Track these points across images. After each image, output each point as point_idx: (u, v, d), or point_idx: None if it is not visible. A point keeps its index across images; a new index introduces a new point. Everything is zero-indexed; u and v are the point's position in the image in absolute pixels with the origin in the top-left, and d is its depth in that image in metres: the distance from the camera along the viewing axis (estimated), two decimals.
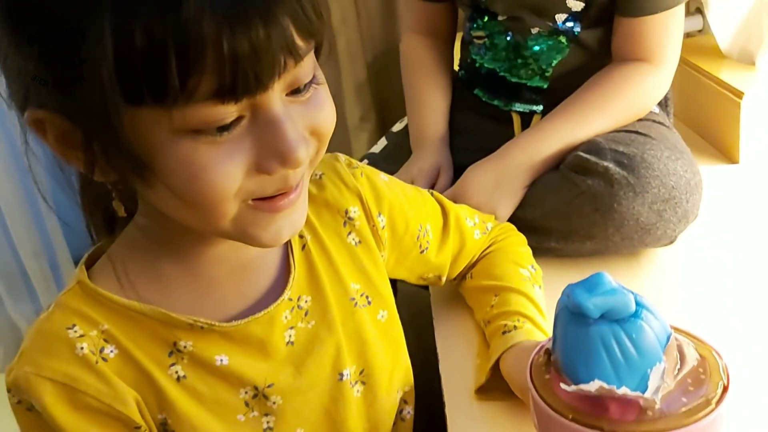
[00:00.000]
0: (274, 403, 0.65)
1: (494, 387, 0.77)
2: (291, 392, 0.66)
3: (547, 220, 0.98)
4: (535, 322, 0.80)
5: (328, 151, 0.62)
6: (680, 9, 1.02)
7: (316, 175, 0.74)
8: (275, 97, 0.53)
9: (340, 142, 1.84)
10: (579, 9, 1.05)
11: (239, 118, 0.52)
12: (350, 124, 1.84)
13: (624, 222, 0.93)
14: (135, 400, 0.60)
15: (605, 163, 0.93)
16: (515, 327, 0.78)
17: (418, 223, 0.82)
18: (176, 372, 0.62)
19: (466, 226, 0.88)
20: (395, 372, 0.76)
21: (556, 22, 1.06)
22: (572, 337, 0.52)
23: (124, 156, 0.52)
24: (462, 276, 0.91)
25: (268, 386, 0.65)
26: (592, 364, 0.51)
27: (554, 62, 1.09)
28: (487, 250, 0.91)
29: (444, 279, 0.89)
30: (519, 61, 1.11)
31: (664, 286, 0.94)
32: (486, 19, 1.12)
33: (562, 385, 0.51)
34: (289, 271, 0.69)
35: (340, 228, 0.73)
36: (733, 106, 1.20)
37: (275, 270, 0.69)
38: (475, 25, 1.14)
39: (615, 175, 0.92)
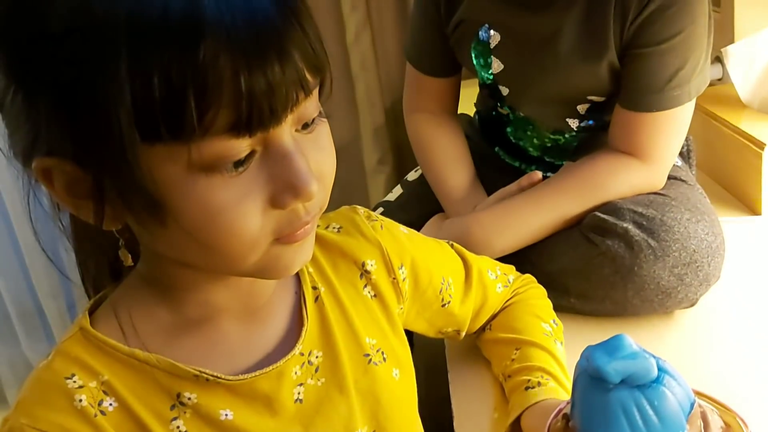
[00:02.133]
0: None
1: None
2: None
3: (565, 276, 0.96)
4: (559, 380, 0.78)
5: (345, 195, 0.62)
6: (681, 110, 0.97)
7: (334, 228, 0.73)
8: (286, 131, 0.53)
9: (357, 186, 1.85)
10: (600, 101, 1.03)
11: (252, 153, 0.52)
12: (368, 168, 1.84)
13: (644, 285, 0.91)
14: None
15: (624, 225, 0.91)
16: (539, 383, 0.76)
17: (441, 276, 0.80)
18: (177, 427, 0.60)
19: (489, 279, 0.86)
20: (405, 428, 0.74)
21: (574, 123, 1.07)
22: (591, 403, 0.51)
23: (141, 196, 0.51)
24: (481, 329, 0.90)
25: None
26: (612, 431, 0.49)
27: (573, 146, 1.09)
28: (508, 302, 0.89)
29: (463, 333, 0.87)
30: (536, 141, 1.11)
31: (685, 349, 0.91)
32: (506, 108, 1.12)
33: None
34: (300, 323, 0.67)
35: (357, 280, 0.72)
36: (754, 156, 1.18)
37: (285, 322, 0.67)
38: (498, 104, 1.13)
39: (635, 237, 0.90)
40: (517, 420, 0.75)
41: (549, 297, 0.93)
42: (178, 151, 0.49)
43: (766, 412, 0.77)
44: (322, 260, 0.71)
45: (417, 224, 1.07)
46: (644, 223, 0.91)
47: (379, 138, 1.81)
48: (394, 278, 0.74)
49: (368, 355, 0.70)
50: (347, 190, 1.81)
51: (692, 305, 0.95)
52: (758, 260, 1.07)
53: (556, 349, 0.83)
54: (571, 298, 0.97)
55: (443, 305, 0.81)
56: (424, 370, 0.99)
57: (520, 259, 0.97)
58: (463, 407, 0.85)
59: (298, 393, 0.65)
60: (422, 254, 0.78)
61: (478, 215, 1.01)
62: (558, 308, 0.92)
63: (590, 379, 0.50)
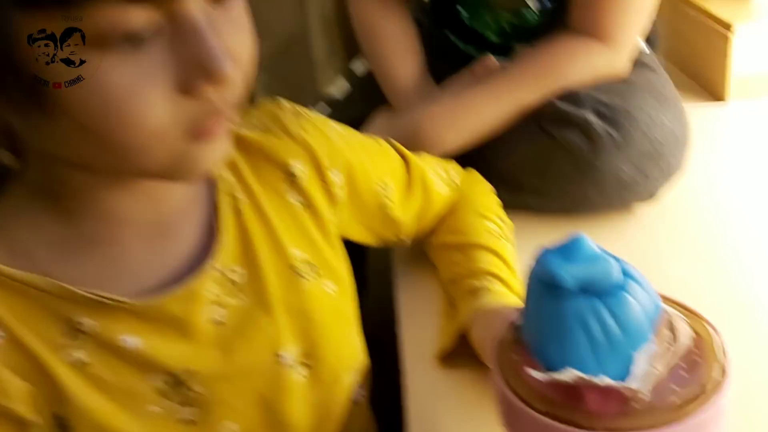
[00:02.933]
0: (196, 392, 0.56)
1: (460, 353, 0.70)
2: (218, 380, 0.57)
3: (519, 172, 0.89)
4: (507, 282, 0.72)
5: (292, 91, 0.54)
6: None
7: (255, 126, 0.64)
8: (196, 2, 0.45)
9: (305, 80, 1.73)
10: None
11: (155, 30, 0.44)
12: (317, 61, 1.73)
13: (604, 179, 0.84)
14: (27, 393, 0.51)
15: (585, 114, 0.84)
16: (485, 287, 0.70)
17: (379, 178, 0.73)
18: (76, 357, 0.52)
19: (431, 180, 0.79)
20: (346, 351, 0.67)
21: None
22: (544, 313, 0.44)
23: (20, 80, 0.43)
24: (428, 234, 0.83)
25: (189, 373, 0.56)
26: (568, 345, 0.42)
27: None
28: (453, 201, 0.82)
29: (409, 240, 0.80)
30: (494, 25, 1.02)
31: (648, 248, 0.85)
32: None
33: (531, 372, 0.42)
34: (215, 237, 0.59)
35: (281, 186, 0.64)
36: (720, 39, 1.11)
37: (198, 236, 0.59)
38: None
39: (596, 127, 0.83)
40: (464, 327, 0.69)
41: (502, 195, 0.86)
42: (63, 23, 0.41)
43: (733, 314, 0.72)
44: (241, 164, 0.62)
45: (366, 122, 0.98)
46: (606, 112, 0.84)
47: (329, 28, 1.69)
48: (325, 183, 0.66)
49: (295, 267, 0.63)
50: (294, 86, 1.71)
51: (651, 197, 0.89)
52: (722, 149, 1.01)
53: (504, 249, 0.76)
54: (525, 196, 0.90)
55: (382, 211, 0.73)
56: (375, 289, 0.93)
57: (472, 155, 0.89)
58: (410, 320, 0.79)
59: (218, 314, 0.57)
60: (358, 155, 0.70)
61: (427, 108, 0.92)
62: (511, 207, 0.85)
63: (543, 286, 0.43)
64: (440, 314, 0.77)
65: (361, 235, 0.75)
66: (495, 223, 0.80)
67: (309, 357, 0.63)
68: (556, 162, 0.86)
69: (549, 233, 0.44)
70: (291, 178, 0.64)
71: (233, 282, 0.59)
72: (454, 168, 0.84)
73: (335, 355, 0.65)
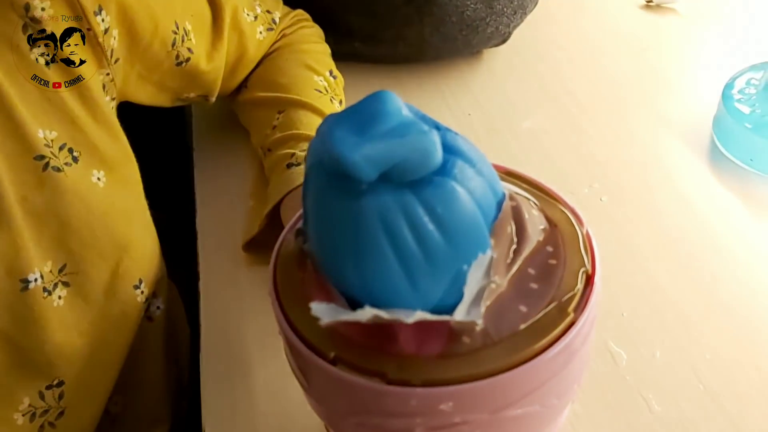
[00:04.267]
0: None
1: (271, 239, 0.55)
2: None
3: (347, 12, 0.72)
4: None
5: None
6: None
7: None
8: None
9: None
10: None
11: None
12: None
13: (445, 18, 0.69)
14: None
15: None
16: (305, 159, 0.55)
17: (173, 21, 0.54)
18: None
19: (246, 21, 0.61)
20: (129, 256, 0.51)
21: None
22: (333, 215, 0.29)
23: None
24: (237, 88, 0.66)
25: None
26: (367, 261, 0.28)
27: None
28: (272, 48, 0.65)
29: (213, 98, 0.63)
30: None
31: (497, 103, 0.71)
32: None
33: (313, 306, 0.28)
34: None
35: (17, 35, 0.44)
36: None
37: None
38: None
39: None
40: (277, 208, 0.55)
41: (327, 41, 0.69)
42: None
43: (592, 176, 0.61)
44: None
45: None
46: None
47: None
48: (89, 29, 0.47)
49: (43, 157, 0.45)
50: None
51: (504, 42, 0.75)
52: None
53: (333, 110, 0.61)
54: (355, 42, 0.74)
55: (178, 63, 0.56)
56: None
57: None
58: (207, 198, 0.63)
59: None
60: None
61: None
62: (340, 56, 0.69)
63: (329, 176, 0.28)
64: (249, 193, 0.62)
65: (150, 96, 0.57)
66: (324, 77, 0.64)
67: (68, 272, 0.47)
68: None
69: (385, 88, 0.28)
70: (32, 24, 0.44)
71: None
72: (273, 2, 0.67)
73: (110, 262, 0.50)
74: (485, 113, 0.69)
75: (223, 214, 0.61)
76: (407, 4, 0.69)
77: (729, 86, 0.64)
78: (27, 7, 0.44)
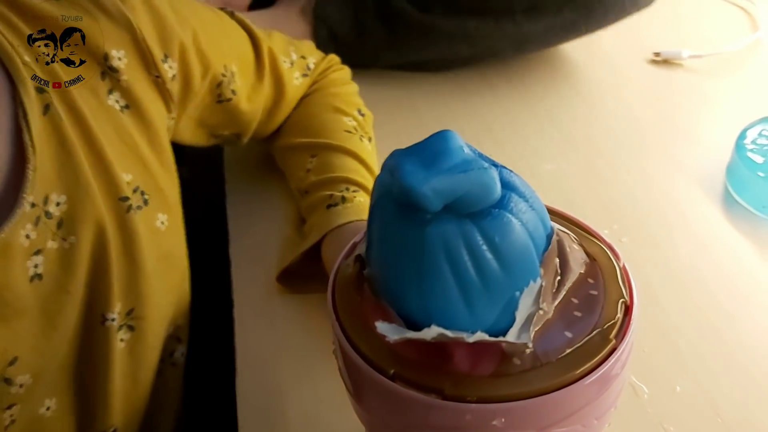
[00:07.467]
0: (20, 386, 0.41)
1: (305, 271, 0.58)
2: (45, 358, 0.42)
3: None
4: (369, 190, 0.59)
5: None
6: None
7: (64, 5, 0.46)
8: None
9: None
10: None
11: None
12: None
13: None
14: None
15: None
16: (344, 199, 0.57)
17: (222, 63, 0.57)
18: None
19: (283, 67, 0.64)
20: (174, 306, 0.53)
21: None
22: (398, 241, 0.31)
23: None
24: (274, 133, 0.68)
25: (10, 364, 0.40)
26: (428, 286, 0.30)
27: None
28: (306, 95, 0.68)
29: (246, 138, 0.65)
30: None
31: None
32: None
33: (377, 324, 0.30)
34: (24, 157, 0.42)
35: (97, 83, 0.47)
36: None
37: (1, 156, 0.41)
38: None
39: None
40: (317, 247, 0.57)
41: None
42: None
43: (612, 218, 0.64)
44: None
45: None
46: None
47: None
48: (157, 77, 0.50)
49: (127, 198, 0.47)
50: None
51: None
52: None
53: (363, 148, 0.63)
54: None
55: (219, 101, 0.58)
56: None
57: None
58: (240, 237, 0.65)
59: (35, 266, 0.41)
60: (195, 35, 0.53)
61: None
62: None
63: (395, 205, 0.31)
64: (286, 240, 0.64)
65: (193, 136, 0.60)
66: (353, 117, 0.66)
67: (134, 317, 0.49)
68: None
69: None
70: (110, 72, 0.47)
71: (52, 216, 0.42)
72: (308, 49, 0.70)
73: (162, 311, 0.51)
74: (506, 155, 0.72)
75: (256, 248, 0.63)
76: None
77: (742, 136, 0.67)
78: (106, 57, 0.47)
